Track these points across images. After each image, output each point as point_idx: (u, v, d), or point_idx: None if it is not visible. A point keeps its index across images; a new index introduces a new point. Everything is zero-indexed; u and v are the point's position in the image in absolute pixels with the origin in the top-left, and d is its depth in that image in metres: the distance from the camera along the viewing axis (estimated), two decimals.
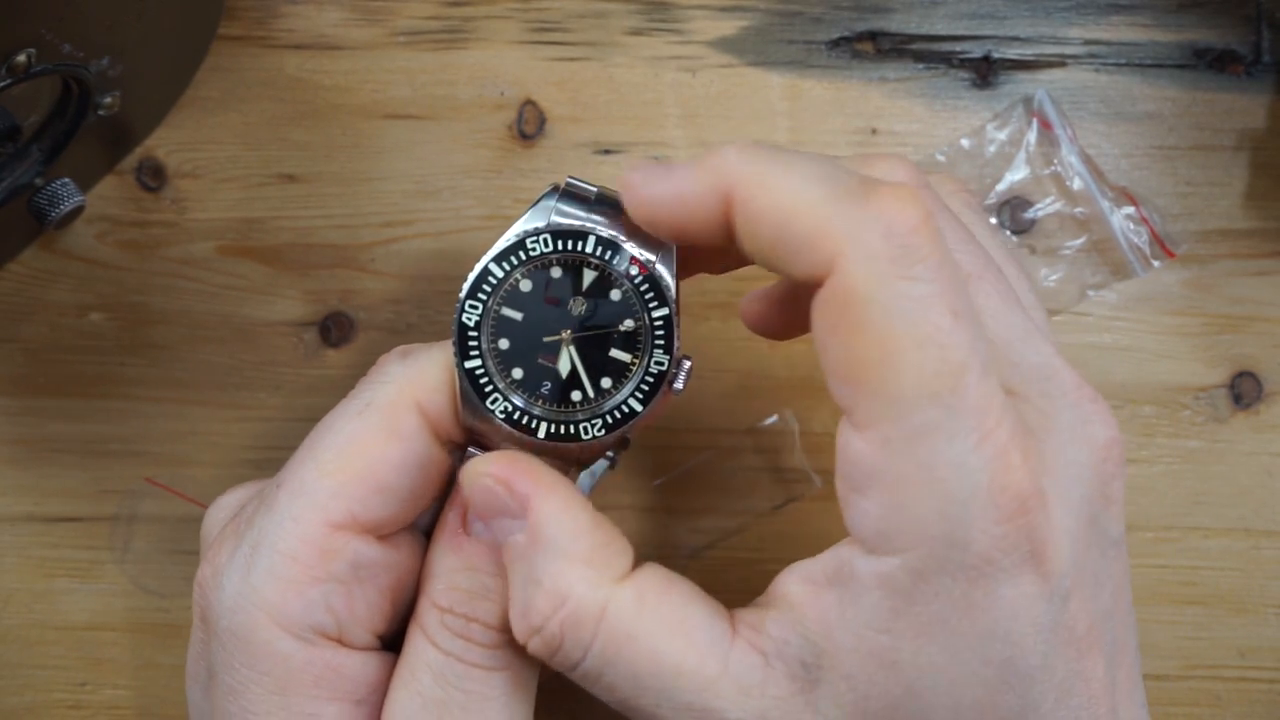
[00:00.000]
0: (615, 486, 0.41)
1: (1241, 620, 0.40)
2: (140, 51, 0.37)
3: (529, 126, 0.42)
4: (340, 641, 0.28)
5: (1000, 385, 0.25)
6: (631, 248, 0.29)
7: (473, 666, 0.28)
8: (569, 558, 0.26)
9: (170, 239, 0.42)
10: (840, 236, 0.24)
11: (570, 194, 0.29)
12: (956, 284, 0.24)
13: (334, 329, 0.41)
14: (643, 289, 0.29)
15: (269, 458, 0.41)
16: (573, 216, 0.29)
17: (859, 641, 0.25)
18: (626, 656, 0.26)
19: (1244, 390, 0.41)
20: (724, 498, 0.41)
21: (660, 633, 0.26)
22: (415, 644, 0.28)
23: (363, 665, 0.28)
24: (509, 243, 0.29)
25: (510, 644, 0.28)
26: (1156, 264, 0.40)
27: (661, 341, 0.29)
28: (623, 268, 0.29)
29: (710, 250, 0.30)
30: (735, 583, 0.41)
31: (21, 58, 0.31)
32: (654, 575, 0.27)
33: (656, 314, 0.29)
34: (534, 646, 0.27)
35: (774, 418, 0.41)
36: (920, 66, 0.41)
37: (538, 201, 0.29)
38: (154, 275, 0.42)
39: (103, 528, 0.41)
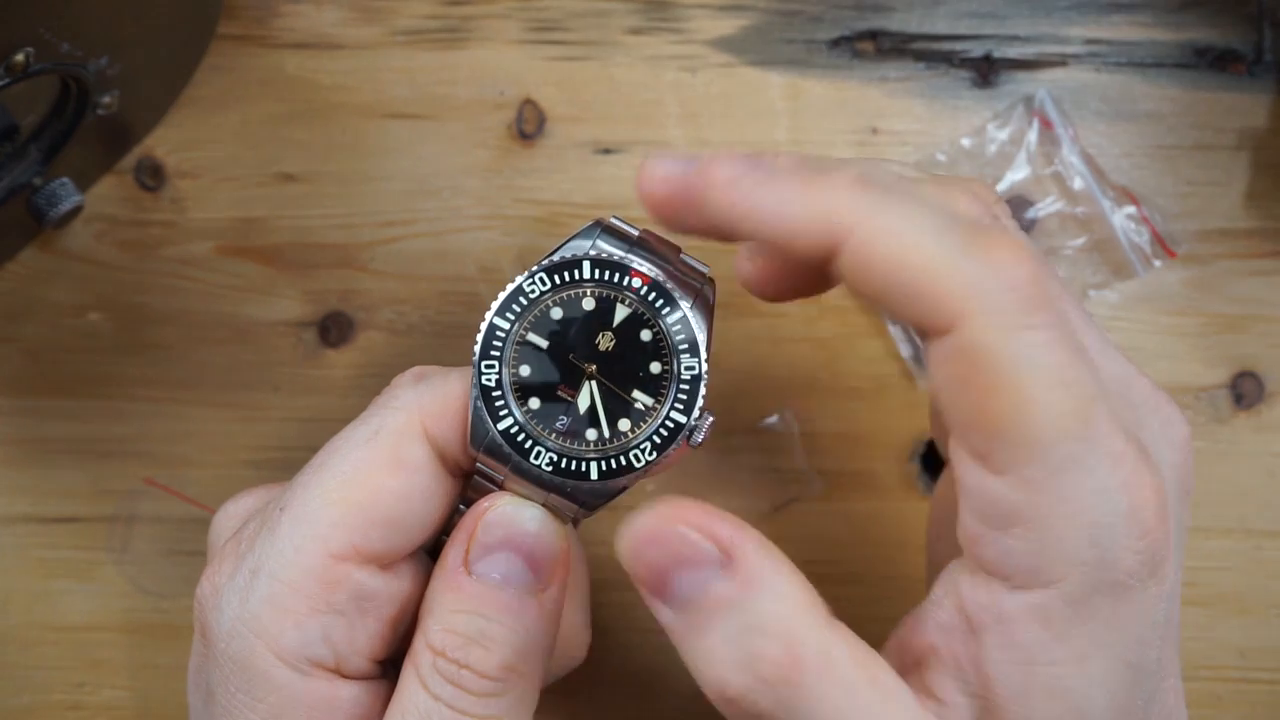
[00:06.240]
0: None
1: (1242, 621, 0.40)
2: (139, 50, 0.36)
3: (529, 126, 0.42)
4: (337, 671, 0.28)
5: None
6: (671, 288, 0.28)
7: (462, 714, 0.27)
8: (792, 601, 0.25)
9: (169, 239, 0.42)
10: (965, 294, 0.24)
11: (611, 231, 0.28)
12: (1067, 322, 0.25)
13: (333, 329, 0.41)
14: (676, 335, 0.28)
15: (268, 458, 0.41)
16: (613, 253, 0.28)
17: (1028, 680, 0.25)
18: (841, 710, 0.25)
19: (1245, 390, 0.41)
20: (724, 498, 0.41)
21: (870, 695, 0.25)
22: (408, 682, 0.28)
23: (359, 694, 0.28)
24: (547, 264, 0.28)
25: (503, 692, 0.27)
26: (1157, 264, 0.40)
27: (686, 392, 0.28)
28: (657, 305, 0.28)
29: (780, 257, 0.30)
30: None
31: (20, 57, 0.31)
32: (842, 625, 0.26)
33: (686, 362, 0.28)
34: (749, 701, 0.25)
35: (774, 418, 0.41)
36: (921, 66, 0.41)
37: (577, 234, 0.28)
38: (153, 275, 0.42)
39: (101, 528, 0.41)
